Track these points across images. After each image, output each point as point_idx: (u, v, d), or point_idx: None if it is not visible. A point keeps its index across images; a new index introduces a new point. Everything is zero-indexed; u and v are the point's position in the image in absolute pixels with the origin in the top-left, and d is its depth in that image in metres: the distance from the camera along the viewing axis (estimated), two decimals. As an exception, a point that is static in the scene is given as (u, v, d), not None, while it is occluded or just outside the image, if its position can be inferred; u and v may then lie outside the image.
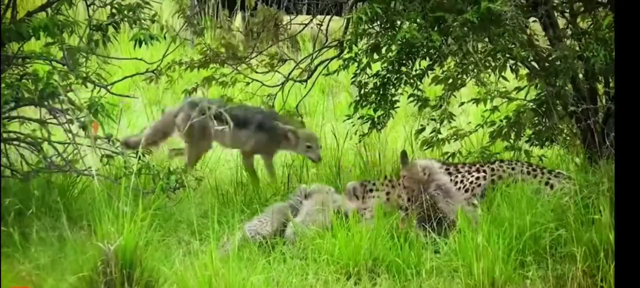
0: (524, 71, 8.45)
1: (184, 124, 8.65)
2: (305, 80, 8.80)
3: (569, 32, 8.30)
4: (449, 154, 8.80)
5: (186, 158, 8.80)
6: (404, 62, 8.31)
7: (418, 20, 7.83)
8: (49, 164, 7.86)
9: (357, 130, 8.75)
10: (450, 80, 8.17)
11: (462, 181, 7.98)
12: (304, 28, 9.08)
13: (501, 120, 8.56)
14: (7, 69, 7.88)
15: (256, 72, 8.74)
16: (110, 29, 7.97)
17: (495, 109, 8.50)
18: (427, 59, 8.22)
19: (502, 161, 8.09)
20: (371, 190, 8.02)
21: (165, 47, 8.54)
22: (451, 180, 7.93)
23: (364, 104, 8.54)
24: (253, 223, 7.66)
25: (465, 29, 7.74)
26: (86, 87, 7.97)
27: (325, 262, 7.18)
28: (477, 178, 7.97)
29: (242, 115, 8.67)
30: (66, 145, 7.95)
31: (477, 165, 8.06)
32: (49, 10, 7.88)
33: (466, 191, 7.95)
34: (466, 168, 8.07)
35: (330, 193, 7.83)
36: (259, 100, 8.89)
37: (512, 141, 8.59)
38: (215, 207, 7.86)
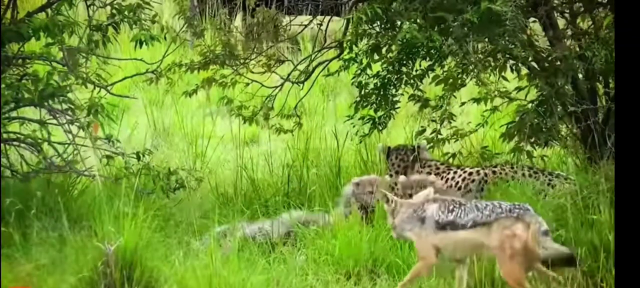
0: (524, 71, 8.45)
1: None
2: (302, 82, 8.80)
3: (569, 32, 8.29)
4: (449, 154, 8.80)
5: None
6: (404, 62, 8.31)
7: (418, 20, 7.83)
8: (49, 165, 7.86)
9: (358, 131, 8.75)
10: (451, 81, 8.17)
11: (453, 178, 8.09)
12: (303, 29, 9.09)
13: (508, 125, 8.51)
14: (7, 69, 7.88)
15: (252, 72, 8.75)
16: (110, 30, 7.97)
17: (495, 109, 8.50)
18: (428, 59, 8.22)
19: (495, 166, 8.16)
20: None
21: (165, 48, 8.54)
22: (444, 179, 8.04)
23: (364, 104, 8.54)
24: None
25: (466, 29, 7.74)
26: (86, 87, 7.98)
27: (325, 262, 7.19)
28: (470, 173, 8.06)
29: None
30: (66, 146, 7.96)
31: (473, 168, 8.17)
32: (49, 10, 7.89)
33: (459, 188, 8.04)
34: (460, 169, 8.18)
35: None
36: (259, 101, 8.88)
37: (516, 142, 8.56)
38: (216, 207, 7.87)
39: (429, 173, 8.18)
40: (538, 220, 6.67)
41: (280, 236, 7.64)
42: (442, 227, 6.68)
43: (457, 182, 8.10)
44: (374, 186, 7.85)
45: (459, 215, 6.68)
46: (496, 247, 6.58)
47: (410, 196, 7.69)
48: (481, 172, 8.11)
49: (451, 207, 6.71)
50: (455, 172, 8.17)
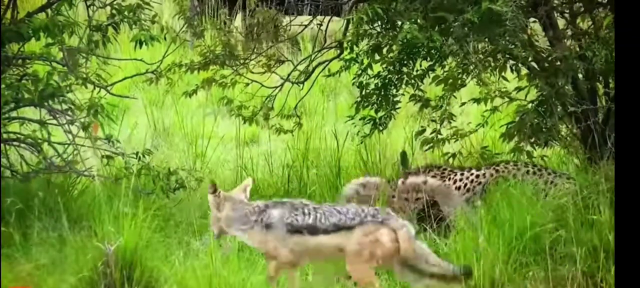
0: (524, 71, 8.45)
1: None
2: (302, 82, 8.81)
3: (569, 32, 8.29)
4: (449, 155, 8.79)
5: None
6: (405, 62, 8.31)
7: (419, 20, 7.83)
8: (49, 165, 7.86)
9: (358, 131, 8.75)
10: (451, 81, 8.17)
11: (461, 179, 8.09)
12: (303, 29, 9.09)
13: (508, 125, 8.50)
14: (7, 69, 7.88)
15: (252, 73, 8.76)
16: (110, 30, 7.97)
17: (495, 109, 8.50)
18: (428, 59, 8.23)
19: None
20: None
21: (165, 48, 8.54)
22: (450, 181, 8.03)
23: (365, 104, 8.54)
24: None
25: (466, 29, 7.74)
26: (86, 87, 7.98)
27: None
28: (478, 176, 8.07)
29: None
30: (66, 146, 7.96)
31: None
32: (49, 10, 7.89)
33: (467, 191, 8.04)
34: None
35: None
36: (259, 101, 8.88)
37: (516, 142, 8.56)
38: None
39: (435, 176, 8.17)
40: (404, 224, 6.52)
41: None
42: (296, 230, 6.51)
43: (466, 184, 8.10)
44: (379, 190, 7.85)
45: (319, 219, 6.51)
46: (353, 251, 6.45)
47: (407, 200, 7.72)
48: (487, 174, 8.11)
49: (306, 211, 6.52)
50: (462, 174, 8.15)
